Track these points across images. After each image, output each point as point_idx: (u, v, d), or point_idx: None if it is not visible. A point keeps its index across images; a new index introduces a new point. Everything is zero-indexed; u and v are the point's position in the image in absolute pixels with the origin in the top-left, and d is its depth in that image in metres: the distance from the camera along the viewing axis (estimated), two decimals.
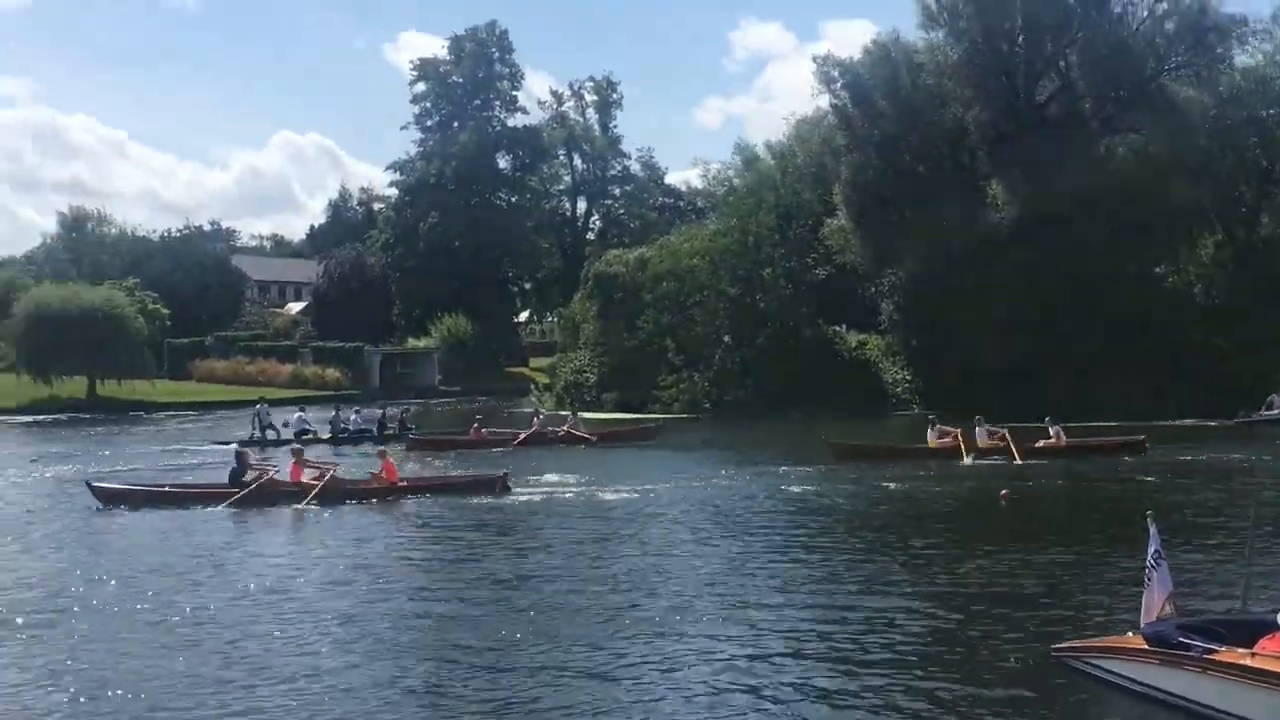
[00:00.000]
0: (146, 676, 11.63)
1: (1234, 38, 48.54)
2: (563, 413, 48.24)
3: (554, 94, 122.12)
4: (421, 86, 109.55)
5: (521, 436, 39.30)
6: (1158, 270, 50.99)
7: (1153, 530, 10.52)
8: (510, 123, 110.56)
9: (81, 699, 10.99)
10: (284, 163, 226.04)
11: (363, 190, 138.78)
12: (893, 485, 25.87)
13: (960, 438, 31.55)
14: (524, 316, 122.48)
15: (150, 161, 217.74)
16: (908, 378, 53.04)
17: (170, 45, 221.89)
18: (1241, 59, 50.34)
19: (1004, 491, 23.93)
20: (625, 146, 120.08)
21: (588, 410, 51.84)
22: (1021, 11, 49.01)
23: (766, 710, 10.43)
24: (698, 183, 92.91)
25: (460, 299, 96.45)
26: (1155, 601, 10.40)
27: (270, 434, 41.14)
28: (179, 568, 17.52)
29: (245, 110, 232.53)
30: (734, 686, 11.01)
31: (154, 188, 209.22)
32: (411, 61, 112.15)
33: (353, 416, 44.27)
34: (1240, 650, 9.53)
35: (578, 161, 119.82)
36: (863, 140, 51.58)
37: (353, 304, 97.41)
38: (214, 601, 15.07)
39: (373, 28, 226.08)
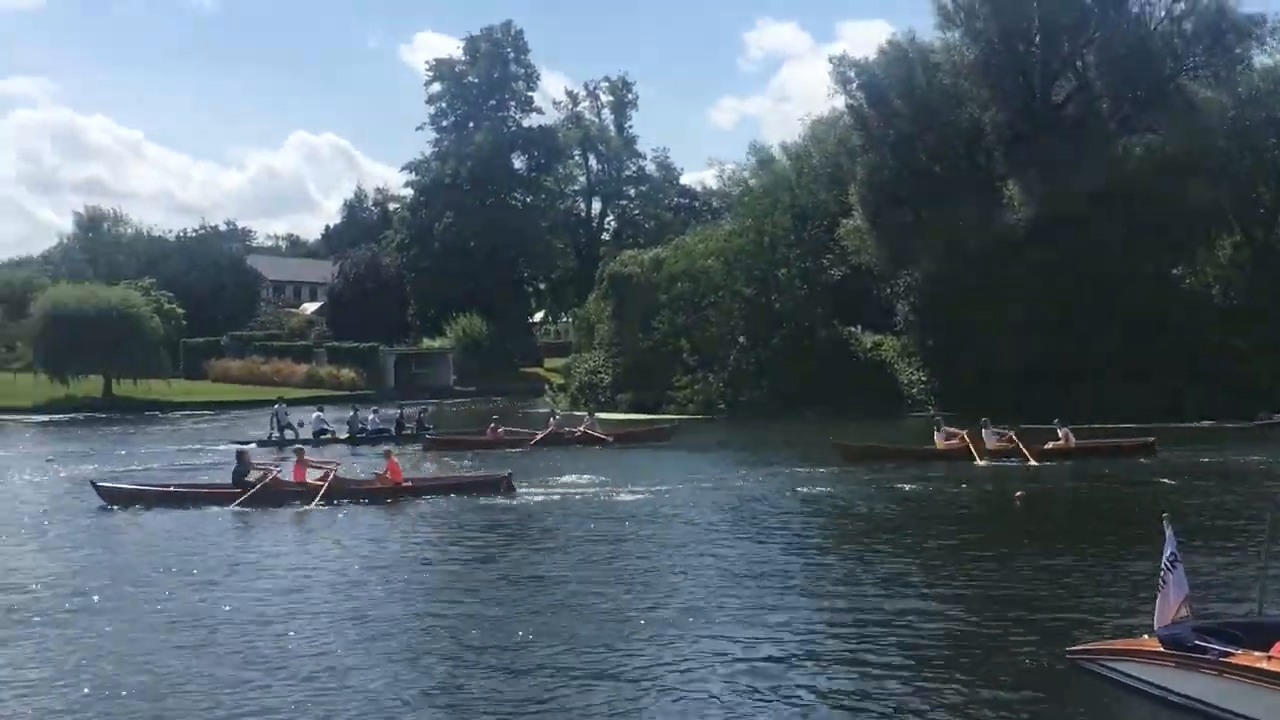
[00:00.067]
0: (164, 676, 11.68)
1: (1253, 38, 48.34)
2: (578, 413, 48.24)
3: (569, 94, 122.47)
4: (437, 87, 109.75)
5: (538, 437, 39.33)
6: (1175, 271, 50.77)
7: (1169, 533, 10.48)
8: (525, 123, 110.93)
9: (100, 697, 11.03)
10: (299, 163, 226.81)
11: (378, 190, 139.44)
12: (907, 486, 25.84)
13: (967, 439, 31.49)
14: (539, 317, 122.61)
15: (166, 162, 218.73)
16: (923, 379, 52.89)
17: (187, 46, 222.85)
18: (1260, 59, 50.31)
19: (1018, 493, 23.89)
20: (640, 147, 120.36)
21: (602, 411, 51.80)
22: (1038, 11, 48.86)
23: (781, 712, 10.42)
24: (713, 183, 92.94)
25: (475, 299, 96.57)
26: (1170, 604, 10.37)
27: (288, 434, 41.20)
28: (193, 568, 17.58)
29: (261, 111, 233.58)
30: (749, 688, 11.01)
31: (170, 188, 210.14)
32: (427, 62, 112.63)
33: (370, 416, 44.34)
34: (1257, 653, 9.49)
35: (593, 162, 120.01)
36: (878, 140, 51.47)
37: (368, 304, 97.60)
38: (228, 601, 15.13)
39: (388, 28, 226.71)
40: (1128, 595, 14.22)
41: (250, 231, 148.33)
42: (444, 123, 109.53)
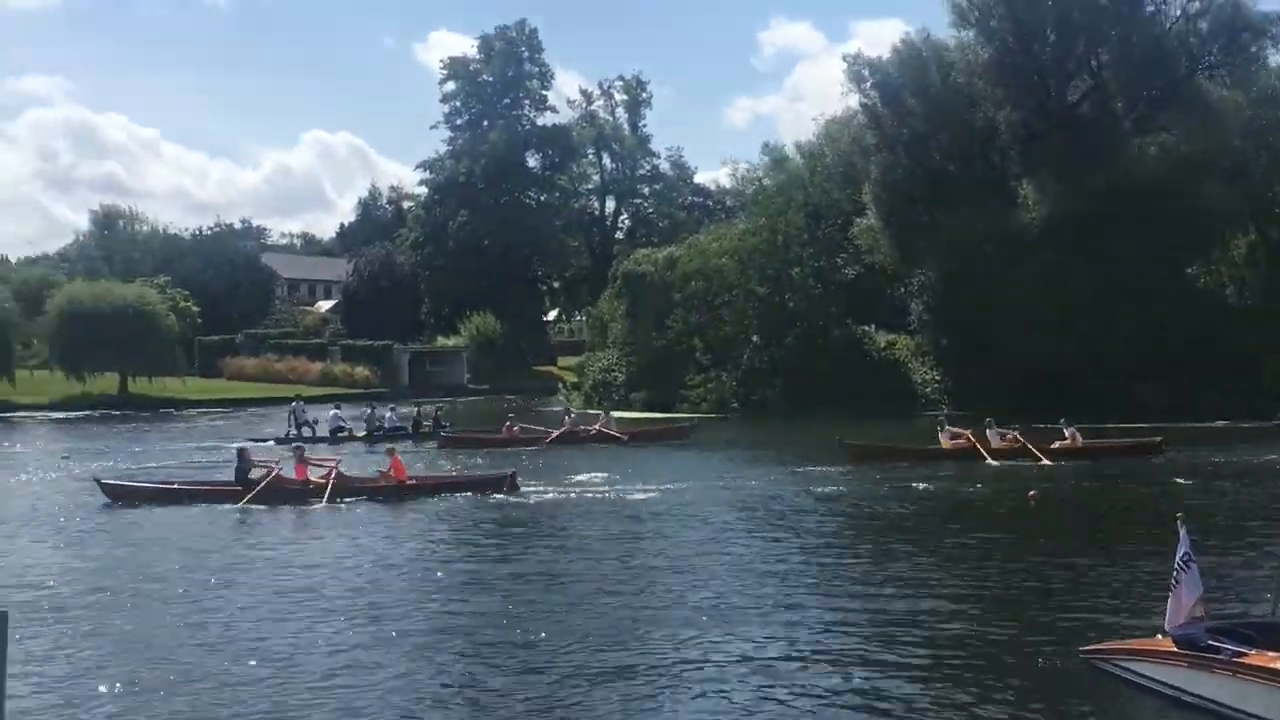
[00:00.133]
0: (183, 672, 11.78)
1: (1268, 36, 48.18)
2: (592, 412, 48.24)
3: (583, 93, 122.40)
4: (451, 85, 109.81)
5: (554, 435, 39.37)
6: (1190, 271, 50.52)
7: (1183, 533, 10.48)
8: (540, 122, 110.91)
9: (121, 693, 11.11)
10: (314, 161, 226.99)
11: (392, 189, 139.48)
12: (920, 486, 25.84)
13: (972, 439, 31.47)
14: (552, 315, 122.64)
15: (182, 160, 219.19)
16: (937, 378, 52.77)
17: (203, 45, 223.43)
18: (1276, 58, 50.09)
19: (1032, 492, 23.85)
20: (654, 146, 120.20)
21: (615, 409, 51.79)
22: (1053, 10, 48.73)
23: (795, 710, 10.46)
24: (727, 182, 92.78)
25: (489, 298, 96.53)
26: (1183, 604, 10.36)
27: (306, 431, 41.32)
28: (205, 565, 17.70)
29: (276, 109, 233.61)
30: (763, 686, 11.06)
31: (186, 186, 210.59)
32: (441, 60, 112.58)
33: (388, 414, 44.37)
34: (1270, 654, 9.51)
35: (607, 161, 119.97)
36: (892, 139, 51.42)
37: (382, 302, 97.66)
38: (242, 599, 15.24)
39: (403, 27, 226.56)
40: (1142, 595, 14.21)
41: (265, 229, 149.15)
42: (458, 121, 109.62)
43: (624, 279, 63.89)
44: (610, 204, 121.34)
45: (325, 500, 24.16)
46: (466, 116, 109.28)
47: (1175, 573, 10.43)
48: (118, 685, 11.30)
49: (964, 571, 16.28)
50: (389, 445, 30.75)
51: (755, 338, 56.26)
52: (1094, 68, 50.36)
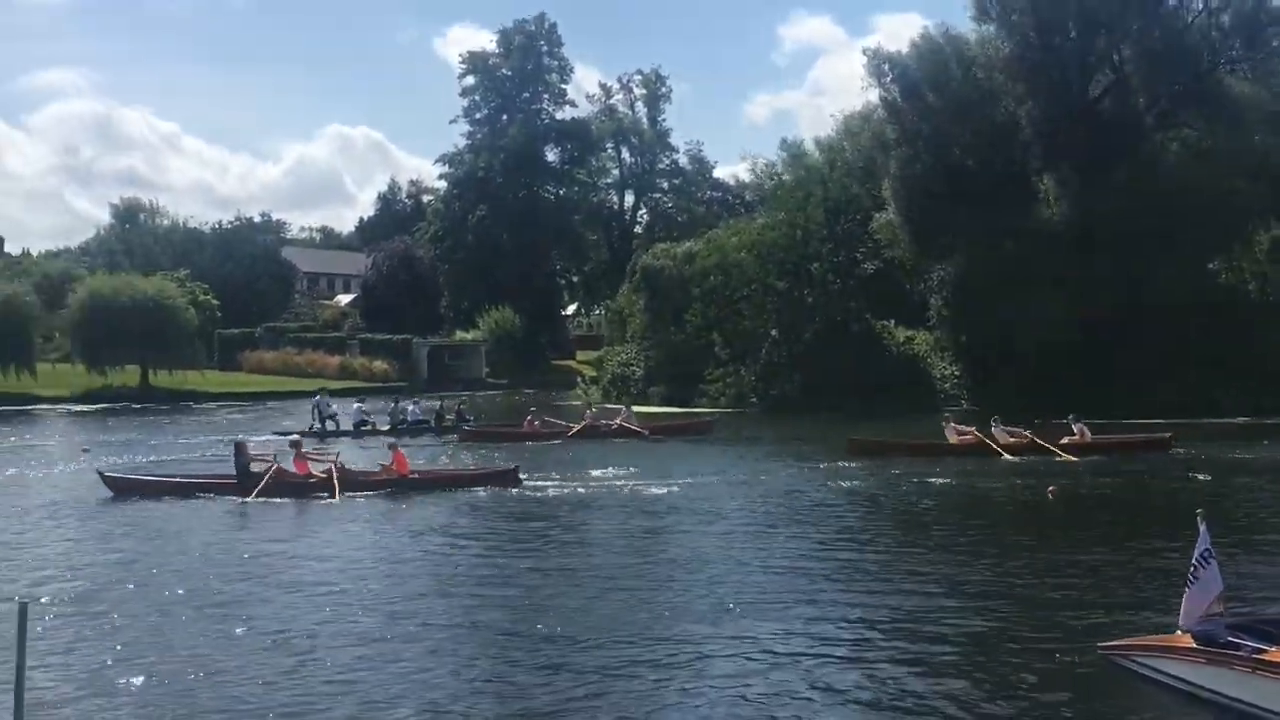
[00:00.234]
0: (203, 664, 11.84)
1: None
2: (611, 406, 48.25)
3: (603, 87, 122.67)
4: (470, 79, 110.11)
5: (574, 429, 39.41)
6: (1212, 266, 50.22)
7: (1203, 529, 10.43)
8: (559, 116, 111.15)
9: (142, 686, 11.15)
10: (334, 155, 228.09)
11: (412, 183, 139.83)
12: (936, 482, 25.79)
13: (978, 436, 31.40)
14: (571, 309, 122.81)
15: (203, 154, 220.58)
16: (956, 373, 52.62)
17: (223, 39, 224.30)
18: None
19: (1051, 488, 23.78)
20: (674, 140, 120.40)
21: (635, 404, 51.78)
22: (1075, 5, 48.44)
23: (812, 705, 10.47)
24: (746, 177, 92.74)
25: (508, 292, 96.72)
26: (1202, 600, 10.32)
27: (330, 424, 41.43)
28: (216, 558, 17.77)
29: (296, 104, 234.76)
30: (783, 681, 11.08)
31: (206, 180, 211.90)
32: (460, 55, 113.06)
33: (411, 408, 44.45)
34: None
35: (626, 155, 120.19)
36: (912, 134, 51.21)
37: (401, 296, 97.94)
38: (257, 592, 15.30)
39: (422, 21, 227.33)
40: (1160, 591, 14.14)
41: (285, 223, 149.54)
42: (477, 115, 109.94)
43: (643, 273, 63.93)
44: (629, 198, 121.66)
45: (337, 496, 24.09)
46: (486, 110, 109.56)
47: (1194, 569, 10.39)
48: (139, 678, 11.34)
49: (983, 566, 16.26)
50: (391, 440, 30.85)
51: (774, 332, 56.15)
52: (1116, 62, 50.10)
